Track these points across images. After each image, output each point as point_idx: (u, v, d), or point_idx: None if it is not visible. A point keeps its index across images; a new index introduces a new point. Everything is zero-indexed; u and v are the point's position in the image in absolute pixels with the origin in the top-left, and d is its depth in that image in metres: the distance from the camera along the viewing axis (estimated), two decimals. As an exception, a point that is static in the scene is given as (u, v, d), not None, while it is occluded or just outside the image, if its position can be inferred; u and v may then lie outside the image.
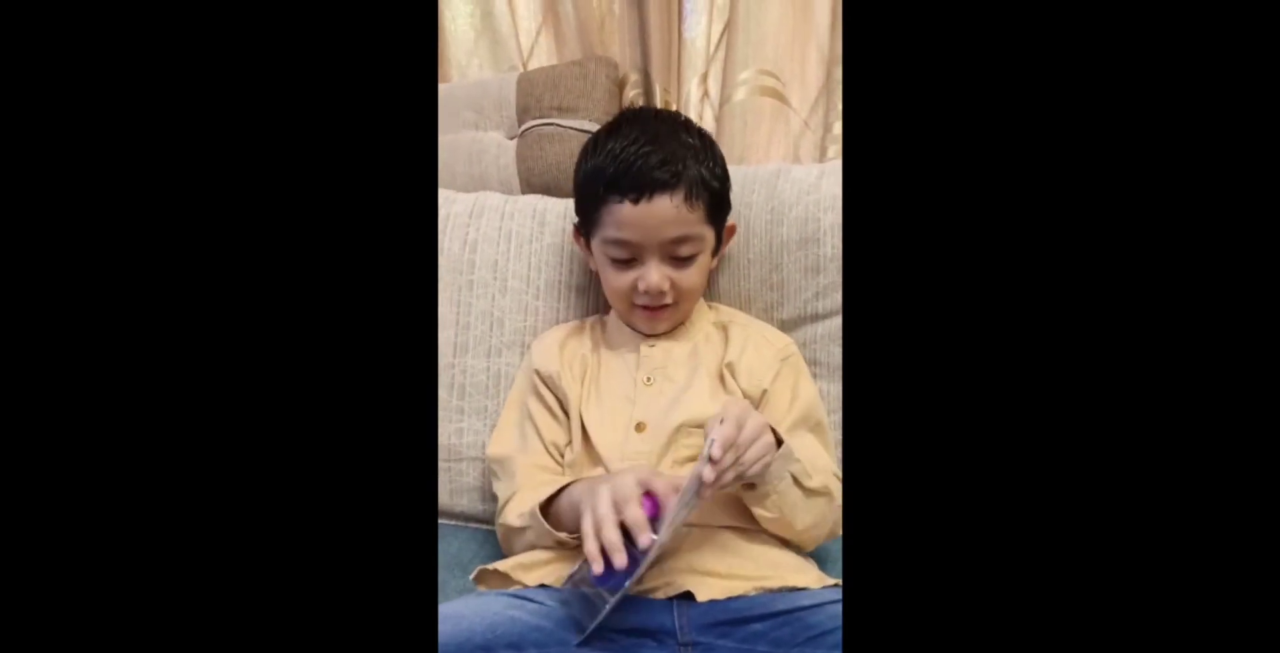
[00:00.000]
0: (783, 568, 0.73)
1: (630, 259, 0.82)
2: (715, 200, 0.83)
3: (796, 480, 0.70)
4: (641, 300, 0.83)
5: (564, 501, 0.74)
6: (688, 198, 0.79)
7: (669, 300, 0.83)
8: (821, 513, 0.74)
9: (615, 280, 0.83)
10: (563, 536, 0.72)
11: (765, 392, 0.83)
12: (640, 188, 0.78)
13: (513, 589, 0.72)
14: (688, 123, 0.87)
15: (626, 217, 0.79)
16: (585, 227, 0.87)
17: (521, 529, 0.76)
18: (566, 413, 0.85)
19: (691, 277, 0.83)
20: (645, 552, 0.62)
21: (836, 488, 0.76)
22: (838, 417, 0.90)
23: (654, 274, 0.81)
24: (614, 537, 0.61)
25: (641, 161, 0.78)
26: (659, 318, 0.85)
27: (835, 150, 1.14)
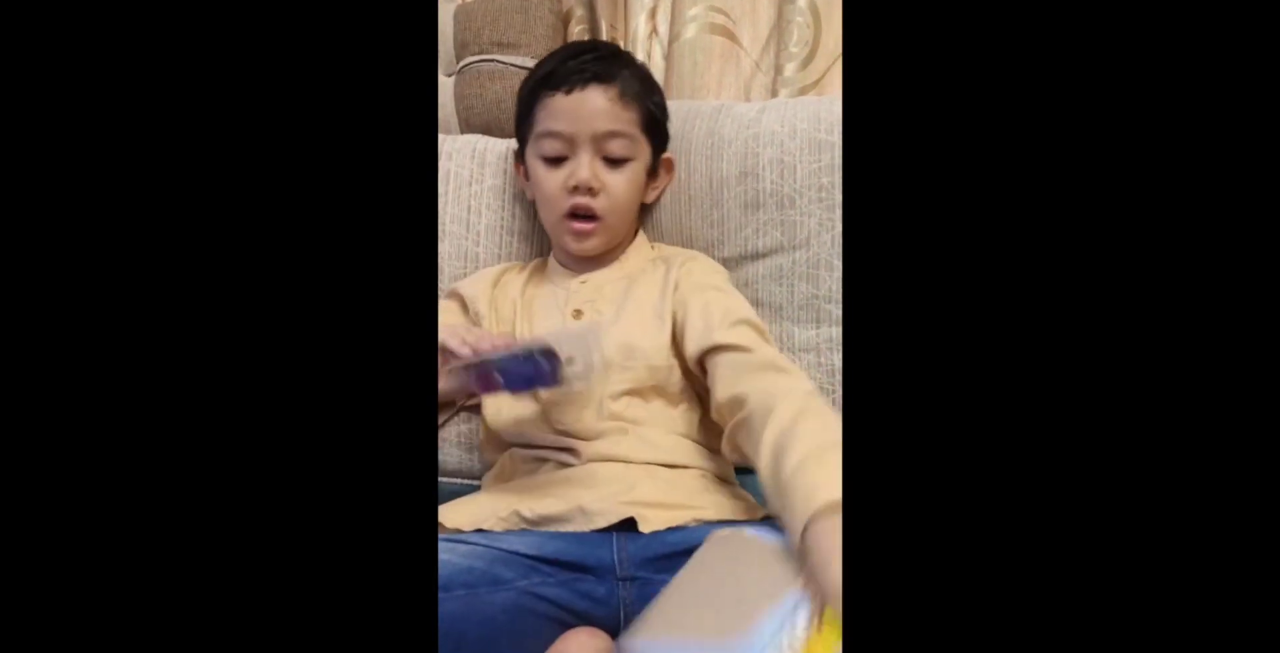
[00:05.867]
0: (719, 503, 0.73)
1: (561, 157, 0.82)
2: (651, 117, 0.84)
3: None
4: (569, 203, 0.81)
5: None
6: (621, 95, 0.81)
7: (598, 206, 0.82)
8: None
9: (547, 183, 0.83)
10: None
11: (686, 304, 0.79)
12: (572, 79, 0.80)
13: (444, 534, 0.71)
14: (630, 57, 0.88)
15: (558, 106, 0.81)
16: (522, 141, 0.86)
17: None
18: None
19: (622, 183, 0.83)
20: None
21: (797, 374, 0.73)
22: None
23: (584, 169, 0.81)
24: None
25: (576, 61, 0.82)
26: (588, 234, 0.83)
27: (787, 93, 1.12)
